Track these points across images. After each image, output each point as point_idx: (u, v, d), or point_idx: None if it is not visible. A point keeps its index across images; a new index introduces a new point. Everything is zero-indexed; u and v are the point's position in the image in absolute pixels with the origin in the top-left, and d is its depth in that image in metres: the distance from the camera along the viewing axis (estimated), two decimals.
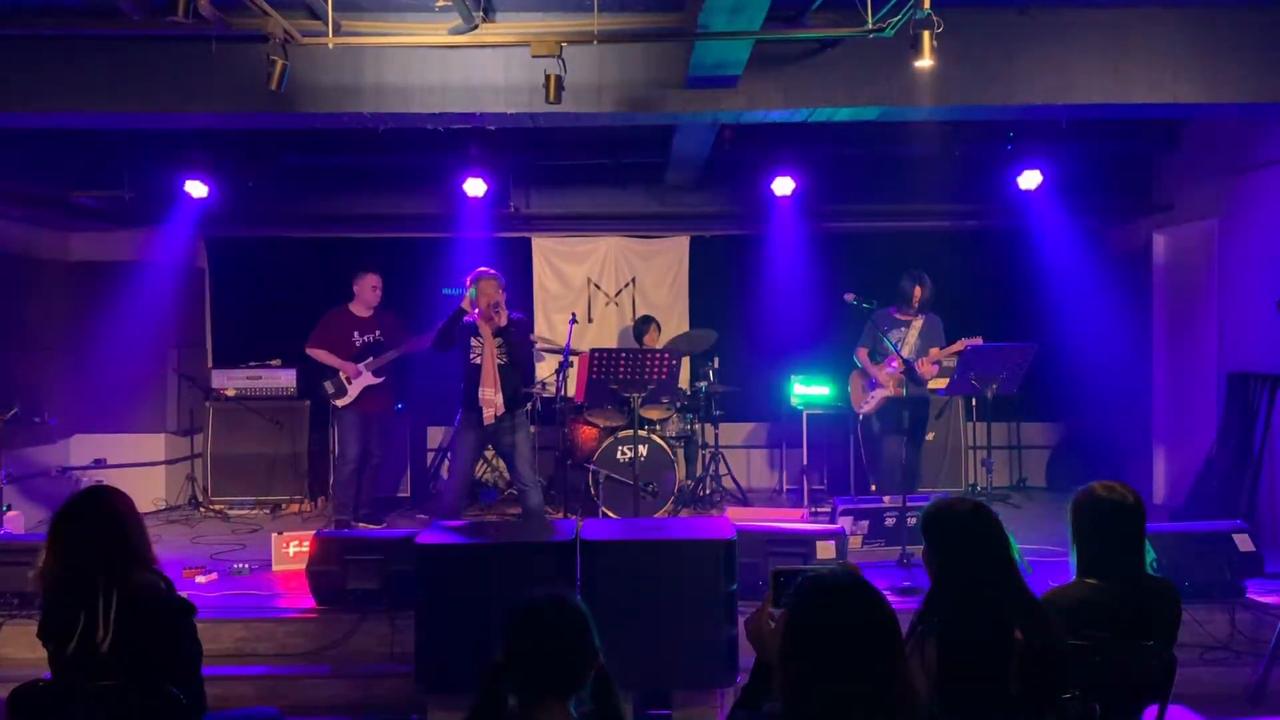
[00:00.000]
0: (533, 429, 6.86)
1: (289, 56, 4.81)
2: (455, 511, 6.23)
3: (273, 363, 8.35)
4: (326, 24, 4.79)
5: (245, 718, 3.26)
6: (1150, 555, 3.03)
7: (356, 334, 7.12)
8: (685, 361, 8.20)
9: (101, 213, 7.58)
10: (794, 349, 8.38)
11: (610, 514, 7.02)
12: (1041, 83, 5.45)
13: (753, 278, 8.67)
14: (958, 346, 6.52)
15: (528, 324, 6.66)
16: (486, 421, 6.10)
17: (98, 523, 2.82)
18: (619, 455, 7.16)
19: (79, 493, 2.94)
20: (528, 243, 8.94)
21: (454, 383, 6.38)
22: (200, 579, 5.75)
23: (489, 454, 7.76)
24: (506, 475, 7.62)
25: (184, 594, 3.05)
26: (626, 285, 8.98)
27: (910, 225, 8.56)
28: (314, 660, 4.98)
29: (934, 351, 6.70)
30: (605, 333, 8.96)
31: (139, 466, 8.02)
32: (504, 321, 6.07)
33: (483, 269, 6.21)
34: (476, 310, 6.08)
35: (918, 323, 6.83)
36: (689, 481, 7.87)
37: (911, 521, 5.96)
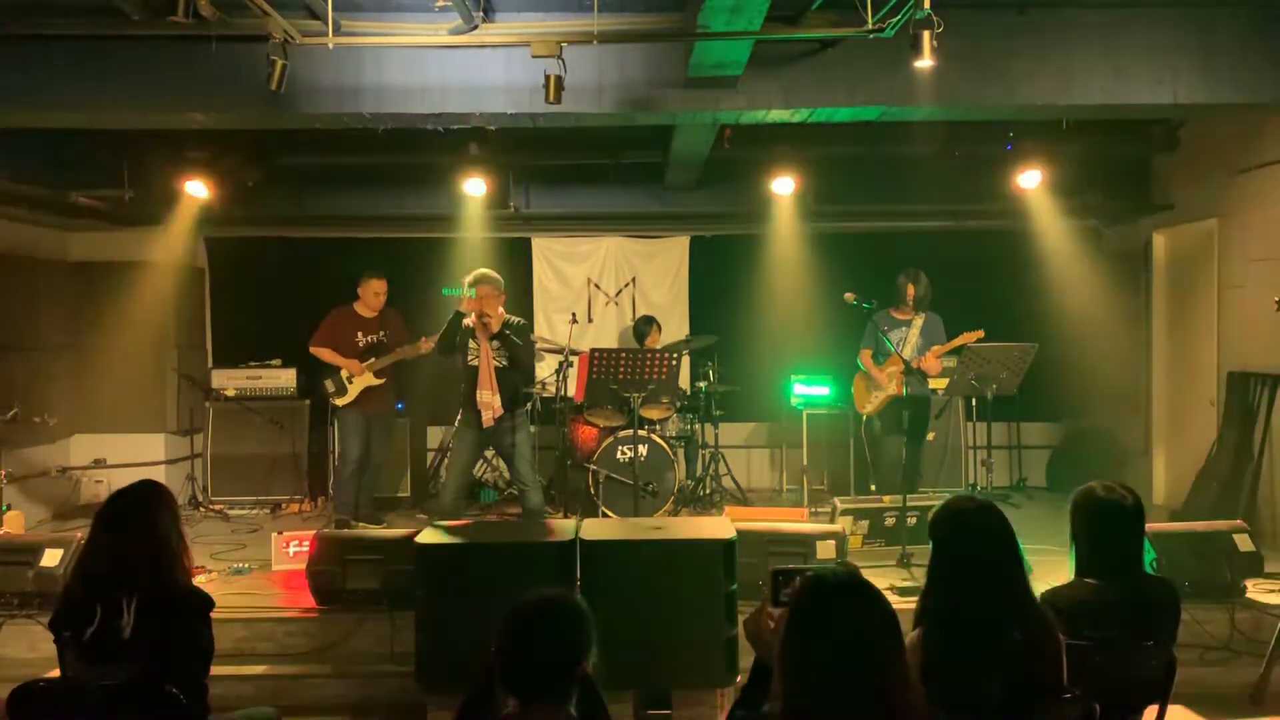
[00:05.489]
0: (533, 429, 6.85)
1: (289, 56, 4.81)
2: (455, 512, 6.22)
3: (273, 363, 8.35)
4: (326, 24, 4.79)
5: None
6: (1150, 555, 3.04)
7: (361, 334, 7.11)
8: (685, 361, 8.21)
9: (101, 213, 7.57)
10: (794, 349, 8.39)
11: (610, 514, 7.02)
12: (1041, 83, 5.45)
13: (753, 278, 8.65)
14: (960, 341, 6.51)
15: (528, 327, 6.65)
16: (485, 424, 6.10)
17: (146, 516, 2.92)
18: (619, 455, 7.15)
19: (130, 486, 3.04)
20: (528, 243, 8.93)
21: (454, 383, 6.39)
22: (200, 579, 5.75)
23: (489, 454, 7.75)
24: (506, 475, 7.61)
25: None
26: (626, 285, 8.98)
27: (910, 225, 8.56)
28: (314, 660, 4.98)
29: (935, 349, 6.69)
30: (605, 333, 8.95)
31: (139, 466, 8.00)
32: (495, 328, 6.06)
33: (482, 271, 6.20)
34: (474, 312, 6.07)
35: (918, 321, 6.83)
36: (689, 481, 7.87)
37: (912, 521, 5.97)
